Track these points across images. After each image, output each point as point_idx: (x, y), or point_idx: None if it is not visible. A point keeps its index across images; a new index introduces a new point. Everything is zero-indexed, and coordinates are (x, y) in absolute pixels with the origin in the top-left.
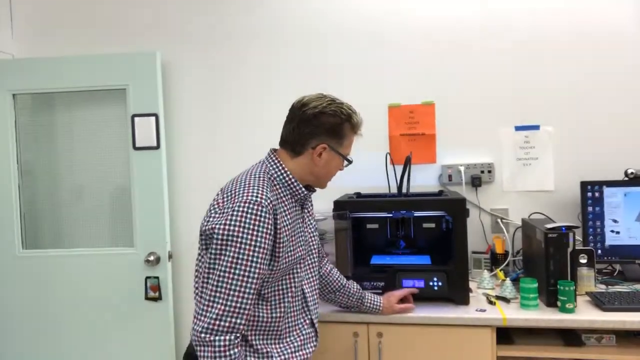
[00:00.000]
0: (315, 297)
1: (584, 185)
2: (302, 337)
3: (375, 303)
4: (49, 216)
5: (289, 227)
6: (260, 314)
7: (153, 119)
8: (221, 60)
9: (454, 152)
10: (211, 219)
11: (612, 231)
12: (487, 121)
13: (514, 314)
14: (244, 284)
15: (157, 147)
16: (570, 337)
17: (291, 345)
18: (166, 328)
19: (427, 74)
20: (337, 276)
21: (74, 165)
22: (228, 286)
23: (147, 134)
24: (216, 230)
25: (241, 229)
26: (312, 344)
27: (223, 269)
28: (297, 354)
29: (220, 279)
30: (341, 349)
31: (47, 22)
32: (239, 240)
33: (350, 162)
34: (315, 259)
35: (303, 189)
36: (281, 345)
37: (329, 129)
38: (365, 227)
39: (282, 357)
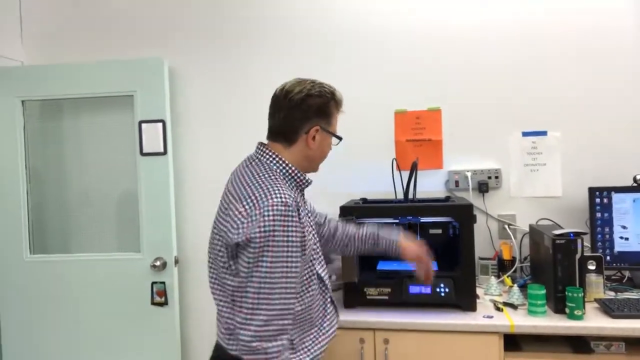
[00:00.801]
0: (328, 274)
1: (592, 191)
2: (328, 317)
3: (392, 242)
4: (56, 221)
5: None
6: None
7: (160, 125)
8: (228, 66)
9: (461, 157)
10: (241, 230)
11: (621, 237)
12: (494, 127)
13: (521, 321)
14: (284, 284)
15: (164, 152)
16: (579, 344)
17: (322, 331)
18: (172, 333)
19: (433, 79)
20: (347, 228)
21: (82, 171)
22: (270, 290)
23: (154, 139)
24: (252, 239)
25: (275, 233)
26: (335, 321)
27: (263, 275)
28: (328, 333)
29: (262, 284)
30: (347, 355)
31: (55, 30)
32: (275, 244)
33: (340, 139)
34: (317, 240)
35: (307, 178)
36: (313, 331)
37: (317, 110)
38: None
39: (316, 342)
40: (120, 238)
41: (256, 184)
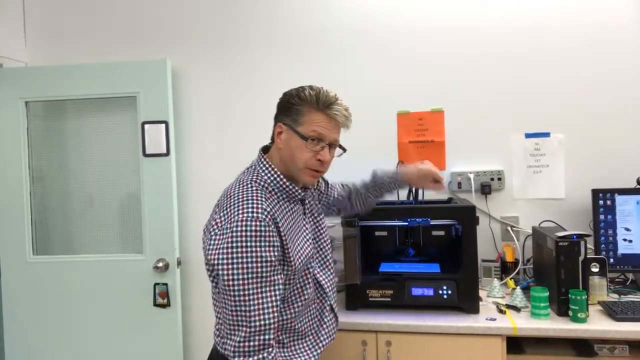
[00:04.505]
0: (333, 283)
1: (596, 193)
2: (325, 326)
3: (395, 177)
4: (59, 222)
5: (291, 230)
6: (283, 317)
7: (163, 126)
8: (231, 67)
9: (464, 159)
10: (212, 244)
11: (625, 240)
12: (497, 128)
13: (524, 323)
14: (261, 301)
15: (167, 153)
16: (582, 347)
17: (318, 339)
18: (174, 335)
19: (435, 80)
20: (358, 187)
21: (85, 172)
22: (246, 308)
23: (157, 140)
24: (220, 257)
25: (244, 250)
26: (333, 330)
27: (237, 292)
28: (322, 343)
29: (237, 302)
30: (349, 357)
31: (59, 31)
32: (246, 261)
33: (305, 139)
34: (328, 250)
35: (299, 191)
36: (307, 340)
37: (283, 108)
38: (373, 234)
39: (309, 351)
40: (123, 239)
41: (235, 195)
